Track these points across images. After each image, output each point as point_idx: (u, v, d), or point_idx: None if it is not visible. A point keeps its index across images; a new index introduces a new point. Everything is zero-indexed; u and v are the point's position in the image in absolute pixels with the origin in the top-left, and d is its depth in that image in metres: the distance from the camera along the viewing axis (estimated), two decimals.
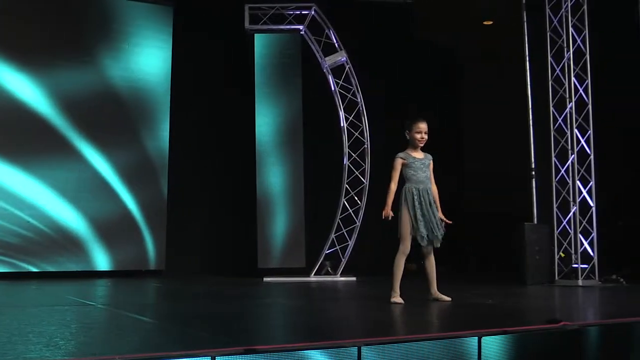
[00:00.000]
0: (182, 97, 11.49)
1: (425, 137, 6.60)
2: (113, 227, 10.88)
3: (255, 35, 11.37)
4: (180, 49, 11.55)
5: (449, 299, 6.62)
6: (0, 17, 10.39)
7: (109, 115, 11.02)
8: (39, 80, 10.57)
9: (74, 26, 10.95)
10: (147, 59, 11.38)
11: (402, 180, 6.65)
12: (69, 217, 10.63)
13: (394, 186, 6.59)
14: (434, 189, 6.65)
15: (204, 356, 3.39)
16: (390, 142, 12.32)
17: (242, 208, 11.67)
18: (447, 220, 6.61)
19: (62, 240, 10.58)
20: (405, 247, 6.50)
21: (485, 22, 13.42)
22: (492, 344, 4.10)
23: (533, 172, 9.93)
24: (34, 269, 10.36)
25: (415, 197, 6.47)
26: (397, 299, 6.50)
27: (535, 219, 9.86)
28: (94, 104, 10.87)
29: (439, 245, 6.55)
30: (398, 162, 6.59)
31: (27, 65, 10.50)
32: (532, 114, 10.04)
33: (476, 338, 4.06)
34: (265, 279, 10.20)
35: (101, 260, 10.78)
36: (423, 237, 6.44)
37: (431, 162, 6.69)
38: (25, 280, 9.82)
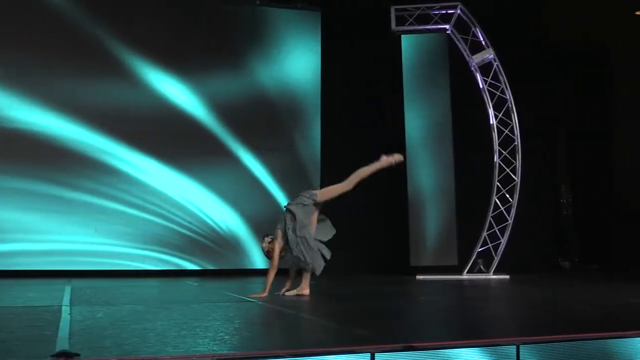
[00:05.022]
0: (332, 99, 11.68)
1: None
2: (268, 228, 11.17)
3: (402, 35, 11.42)
4: (329, 52, 11.76)
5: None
6: (159, 30, 11.01)
7: (262, 119, 11.41)
8: (194, 87, 11.11)
9: (226, 35, 11.41)
10: (297, 63, 11.68)
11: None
12: (227, 217, 11.10)
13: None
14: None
15: (364, 352, 3.48)
16: (540, 139, 12.14)
17: (394, 207, 11.72)
18: None
19: (221, 240, 11.06)
20: None
21: (638, 13, 12.85)
22: None
23: None
24: (195, 267, 10.89)
25: None
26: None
27: None
28: (247, 109, 11.30)
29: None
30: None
31: (184, 73, 11.07)
32: None
33: None
34: (418, 277, 10.24)
35: (258, 259, 11.14)
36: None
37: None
38: (185, 277, 10.32)
